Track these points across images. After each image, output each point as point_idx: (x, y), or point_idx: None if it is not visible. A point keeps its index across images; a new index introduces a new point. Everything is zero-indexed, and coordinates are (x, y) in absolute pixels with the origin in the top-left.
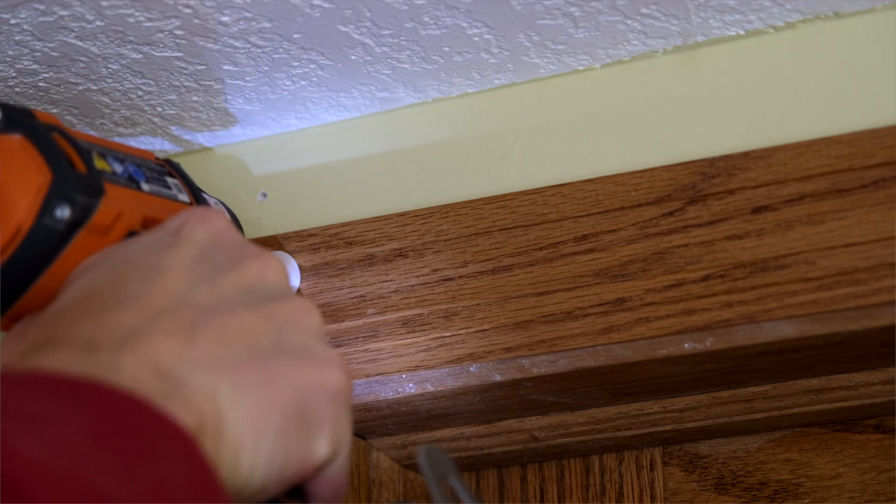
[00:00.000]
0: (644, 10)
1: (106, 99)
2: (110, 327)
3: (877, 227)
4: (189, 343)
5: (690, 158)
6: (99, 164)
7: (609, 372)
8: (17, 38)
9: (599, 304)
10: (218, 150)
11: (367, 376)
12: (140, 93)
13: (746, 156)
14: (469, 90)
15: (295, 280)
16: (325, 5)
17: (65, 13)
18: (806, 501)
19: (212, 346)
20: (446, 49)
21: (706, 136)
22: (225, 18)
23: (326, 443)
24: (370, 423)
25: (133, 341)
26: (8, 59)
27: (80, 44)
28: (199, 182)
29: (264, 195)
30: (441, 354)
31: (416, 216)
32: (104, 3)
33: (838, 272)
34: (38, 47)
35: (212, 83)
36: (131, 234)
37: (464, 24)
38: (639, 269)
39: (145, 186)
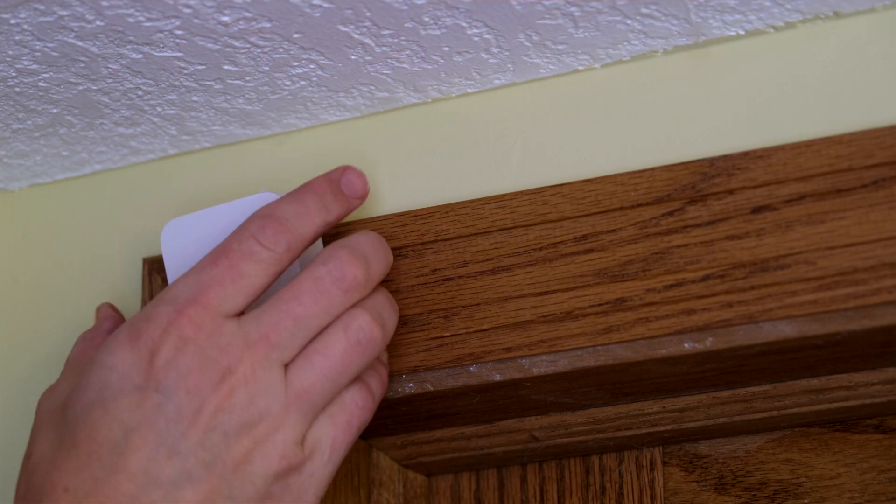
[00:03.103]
0: (644, 10)
1: (106, 99)
2: None
3: (877, 227)
4: None
5: (690, 158)
6: None
7: (609, 372)
8: (17, 38)
9: (599, 304)
10: (218, 150)
11: None
12: (140, 93)
13: (746, 156)
14: (469, 90)
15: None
16: (325, 5)
17: (65, 13)
18: (806, 501)
19: None
20: (446, 49)
21: (706, 136)
22: (225, 18)
23: None
24: (370, 423)
25: None
26: (8, 59)
27: (80, 44)
28: (200, 184)
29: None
30: (441, 354)
31: (415, 216)
32: (104, 3)
33: (838, 272)
34: (38, 47)
35: (212, 83)
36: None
37: (464, 24)
38: (639, 269)
39: None
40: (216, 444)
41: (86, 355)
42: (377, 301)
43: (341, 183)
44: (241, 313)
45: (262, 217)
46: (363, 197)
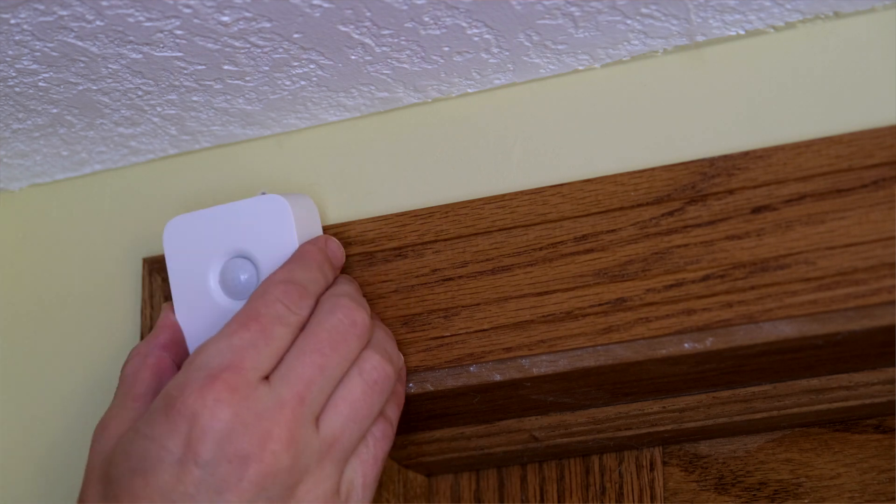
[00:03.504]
0: (644, 10)
1: (106, 99)
2: None
3: (877, 227)
4: None
5: (690, 158)
6: None
7: (609, 372)
8: (17, 38)
9: (599, 304)
10: (218, 150)
11: None
12: (140, 93)
13: (746, 156)
14: (469, 90)
15: (316, 226)
16: (325, 5)
17: (65, 13)
18: (806, 501)
19: None
20: (446, 49)
21: (706, 136)
22: (225, 18)
23: None
24: None
25: None
26: (8, 59)
27: (80, 44)
28: (200, 184)
29: (264, 195)
30: (441, 354)
31: (416, 216)
32: (104, 3)
33: (838, 272)
34: (38, 47)
35: (212, 83)
36: None
37: (464, 24)
38: (639, 269)
39: None
40: None
41: (134, 386)
42: (379, 338)
43: (329, 254)
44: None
45: (285, 283)
46: (342, 266)
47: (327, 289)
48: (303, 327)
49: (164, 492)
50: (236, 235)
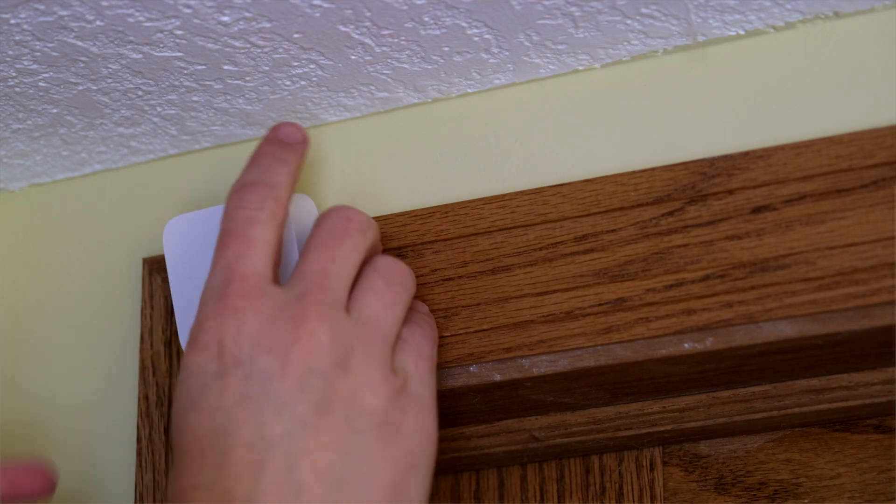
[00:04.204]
0: (644, 10)
1: (106, 99)
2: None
3: (877, 227)
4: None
5: (690, 158)
6: None
7: (609, 372)
8: (17, 38)
9: (599, 304)
10: (218, 150)
11: None
12: (140, 93)
13: (746, 156)
14: (469, 90)
15: (309, 213)
16: (325, 5)
17: (65, 13)
18: (806, 501)
19: (313, 477)
20: (446, 49)
21: (706, 136)
22: (225, 18)
23: None
24: None
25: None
26: (8, 59)
27: (80, 44)
28: (200, 184)
29: None
30: (441, 354)
31: (415, 216)
32: (104, 3)
33: (838, 272)
34: (38, 47)
35: (212, 83)
36: None
37: (464, 24)
38: (639, 269)
39: None
40: (318, 385)
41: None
42: (386, 259)
43: (281, 137)
44: (275, 280)
45: (236, 190)
46: (305, 141)
47: (298, 167)
48: (279, 221)
49: (216, 406)
50: None
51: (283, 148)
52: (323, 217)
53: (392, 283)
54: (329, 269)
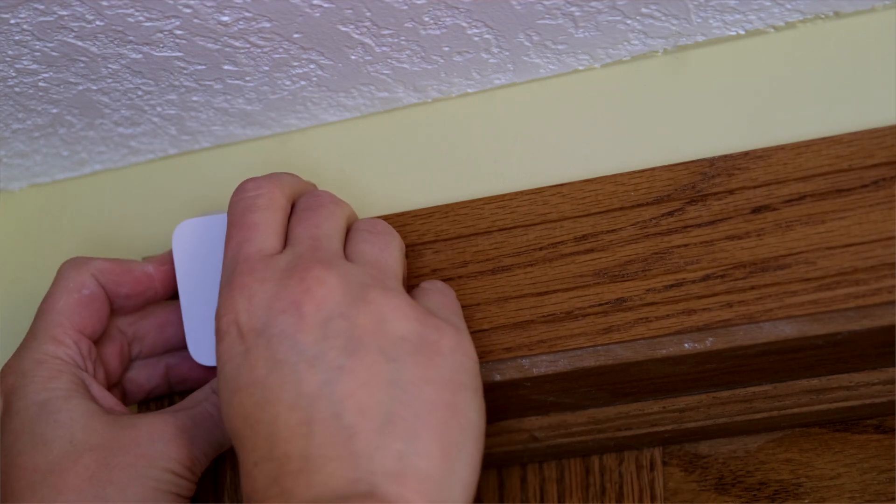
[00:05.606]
0: (644, 10)
1: (106, 99)
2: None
3: (877, 227)
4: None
5: (690, 158)
6: None
7: (609, 372)
8: (17, 38)
9: (599, 304)
10: (218, 150)
11: None
12: (140, 93)
13: (746, 156)
14: (469, 90)
15: None
16: (325, 5)
17: (65, 13)
18: (806, 501)
19: (362, 416)
20: (446, 49)
21: (706, 136)
22: (225, 18)
23: None
24: None
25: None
26: (8, 59)
27: (80, 44)
28: (200, 184)
29: None
30: None
31: (416, 216)
32: (104, 3)
33: (838, 272)
34: (38, 47)
35: (212, 83)
36: None
37: (464, 24)
38: (639, 269)
39: None
40: (341, 327)
41: None
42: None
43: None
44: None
45: (239, 188)
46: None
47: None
48: (280, 204)
49: (253, 381)
50: None
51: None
52: (305, 198)
53: (380, 233)
54: (317, 233)
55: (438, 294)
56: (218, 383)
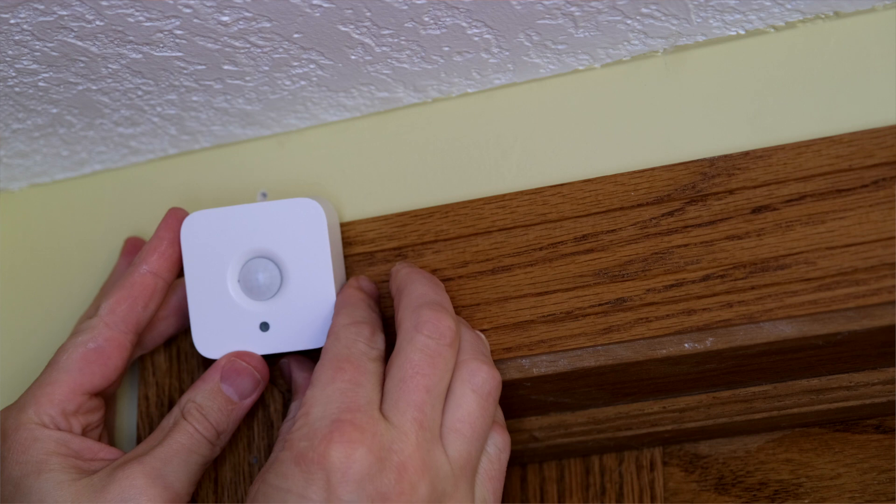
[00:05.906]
0: (644, 10)
1: (106, 99)
2: None
3: (877, 227)
4: None
5: (690, 158)
6: None
7: (609, 372)
8: (16, 37)
9: (599, 304)
10: (218, 150)
11: None
12: (140, 93)
13: (746, 156)
14: (469, 90)
15: (336, 230)
16: (325, 5)
17: (65, 13)
18: (806, 501)
19: None
20: (446, 49)
21: (706, 136)
22: (225, 18)
23: None
24: None
25: None
26: (8, 58)
27: (80, 44)
28: (200, 184)
29: (264, 195)
30: None
31: (415, 216)
32: (104, 3)
33: (838, 272)
34: (38, 47)
35: (212, 83)
36: None
37: (464, 24)
38: (639, 269)
39: None
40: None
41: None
42: (472, 343)
43: (364, 289)
44: (381, 409)
45: (354, 324)
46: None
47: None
48: (384, 360)
49: None
50: (262, 236)
51: (372, 300)
52: (413, 330)
53: (486, 403)
54: (427, 401)
55: (489, 468)
56: (263, 499)
